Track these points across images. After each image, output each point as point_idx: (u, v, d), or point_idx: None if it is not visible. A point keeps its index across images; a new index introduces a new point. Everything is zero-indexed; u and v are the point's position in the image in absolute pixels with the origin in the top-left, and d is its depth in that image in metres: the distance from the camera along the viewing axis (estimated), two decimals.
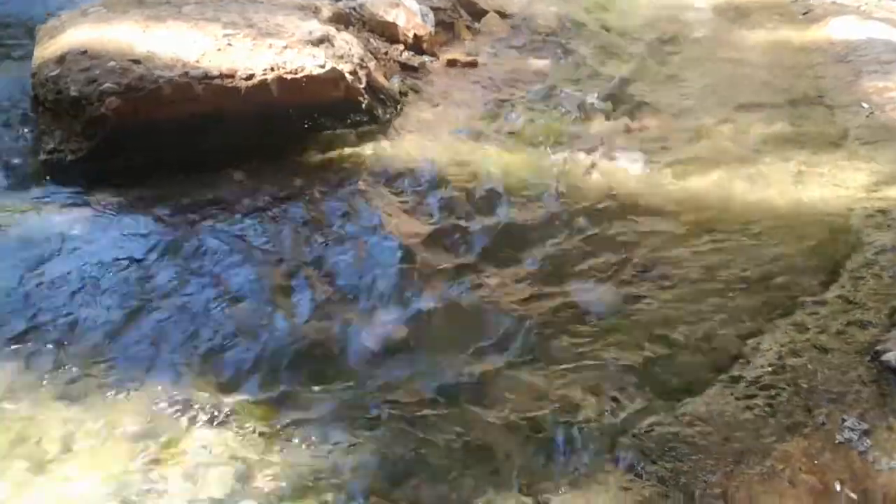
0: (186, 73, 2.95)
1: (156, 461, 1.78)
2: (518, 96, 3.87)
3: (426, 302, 2.38)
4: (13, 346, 2.10)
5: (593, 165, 3.20)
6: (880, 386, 1.99)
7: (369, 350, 2.20)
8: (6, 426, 1.85)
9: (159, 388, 1.99)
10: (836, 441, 1.84)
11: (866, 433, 1.87)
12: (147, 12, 3.32)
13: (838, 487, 1.72)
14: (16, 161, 3.04)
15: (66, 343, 2.13)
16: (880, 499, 1.74)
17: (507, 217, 2.84)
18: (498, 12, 4.84)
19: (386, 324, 2.29)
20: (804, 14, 5.30)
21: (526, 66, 4.24)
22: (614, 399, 2.00)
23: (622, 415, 1.95)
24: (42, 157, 2.95)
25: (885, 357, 2.06)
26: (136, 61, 2.96)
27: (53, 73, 2.94)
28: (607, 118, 3.67)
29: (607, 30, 4.79)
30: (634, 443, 1.82)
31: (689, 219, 2.86)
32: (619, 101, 3.85)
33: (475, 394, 2.03)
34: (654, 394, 2.01)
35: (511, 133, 3.50)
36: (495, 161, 3.24)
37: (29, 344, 2.11)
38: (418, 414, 1.97)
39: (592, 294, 2.42)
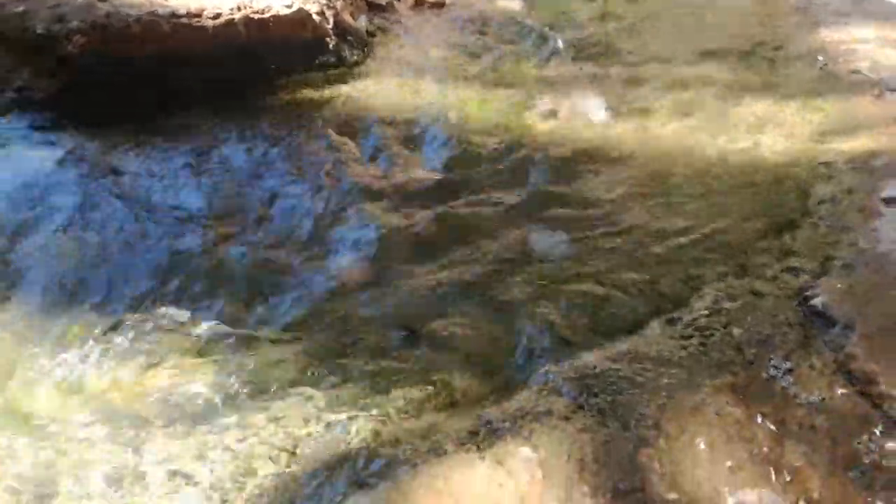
0: (154, 12, 2.96)
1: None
2: (485, 38, 3.91)
3: (383, 245, 2.50)
4: None
5: (556, 111, 3.29)
6: (806, 329, 2.17)
7: (326, 288, 2.33)
8: None
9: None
10: (762, 378, 2.03)
11: (790, 371, 2.05)
12: None
13: (759, 419, 1.91)
14: None
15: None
16: (796, 428, 1.94)
17: (467, 162, 2.94)
18: None
19: (341, 264, 2.42)
20: None
21: (494, 6, 4.27)
22: (563, 338, 2.16)
23: (570, 351, 2.11)
24: (9, 94, 2.96)
25: (812, 302, 2.24)
26: None
27: (19, 10, 2.92)
28: (573, 62, 3.74)
29: None
30: (579, 376, 1.99)
31: (646, 168, 2.98)
32: (586, 45, 3.91)
33: (435, 332, 2.18)
34: (599, 333, 2.18)
35: (477, 75, 3.57)
36: (460, 104, 3.32)
37: None
38: (381, 350, 2.12)
39: (548, 240, 2.55)
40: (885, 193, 2.67)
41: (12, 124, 2.88)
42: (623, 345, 2.14)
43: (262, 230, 2.55)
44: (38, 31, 2.89)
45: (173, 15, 2.97)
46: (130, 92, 2.99)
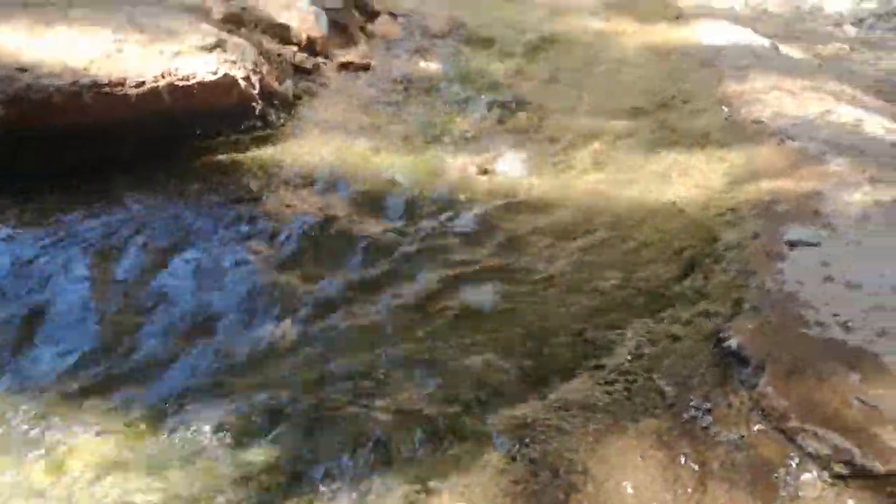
0: (76, 82, 2.95)
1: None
2: (409, 98, 4.04)
3: (311, 308, 2.52)
4: None
5: (478, 165, 3.41)
6: (722, 369, 2.28)
7: (258, 351, 2.33)
8: None
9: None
10: (683, 419, 2.12)
11: (709, 411, 2.15)
12: (33, 16, 3.27)
13: (682, 460, 1.99)
14: None
15: None
16: (717, 467, 2.02)
17: (394, 219, 3.02)
18: (390, 13, 4.98)
19: (271, 327, 2.43)
20: (677, 18, 5.70)
21: (417, 67, 4.42)
22: (495, 390, 2.22)
23: (501, 403, 2.16)
24: None
25: (726, 343, 2.36)
26: (23, 69, 2.93)
27: None
28: (493, 118, 3.89)
29: (495, 32, 5.01)
30: (510, 428, 2.04)
31: (566, 218, 3.12)
32: (505, 101, 4.08)
33: (367, 391, 2.20)
34: (528, 384, 2.24)
35: (402, 134, 3.67)
36: (385, 162, 3.41)
37: None
38: (315, 409, 2.13)
39: (476, 294, 2.63)
40: (788, 237, 2.85)
41: None
42: (553, 394, 2.21)
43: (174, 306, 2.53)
44: None
45: (95, 84, 2.98)
46: (51, 162, 2.95)
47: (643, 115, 4.04)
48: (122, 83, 3.03)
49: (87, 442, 1.99)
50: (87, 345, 2.31)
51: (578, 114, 4.02)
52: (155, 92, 3.09)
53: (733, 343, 2.35)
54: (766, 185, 3.31)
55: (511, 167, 3.47)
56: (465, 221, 3.08)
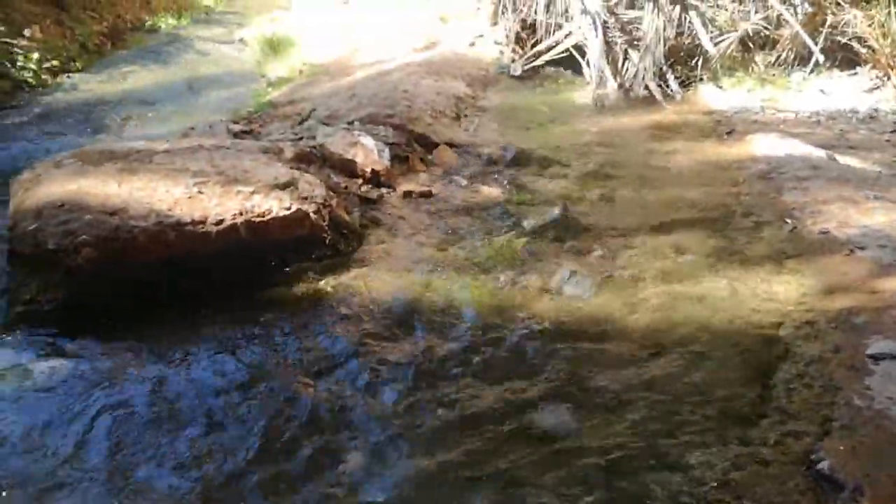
0: (160, 222, 3.14)
1: None
2: (470, 223, 4.15)
3: (389, 429, 2.52)
4: None
5: (543, 289, 3.43)
6: (816, 494, 2.16)
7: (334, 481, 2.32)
8: None
9: None
10: None
11: None
12: (120, 164, 3.53)
13: None
14: None
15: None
16: None
17: (464, 343, 3.03)
18: (448, 143, 5.20)
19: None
20: (728, 133, 5.79)
21: (476, 194, 4.56)
22: None
23: None
24: (18, 308, 3.06)
25: (819, 466, 2.24)
26: (112, 212, 3.15)
27: (31, 227, 3.10)
28: (553, 241, 3.95)
29: (549, 156, 5.17)
30: None
31: (634, 338, 3.08)
32: (564, 224, 4.14)
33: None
34: None
35: (465, 259, 3.74)
36: (451, 288, 3.46)
37: None
38: None
39: (551, 417, 2.58)
40: (871, 350, 2.76)
41: (20, 337, 2.96)
42: None
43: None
44: (49, 246, 3.05)
45: (178, 224, 3.17)
46: (136, 296, 3.10)
47: (704, 229, 4.05)
48: (203, 221, 3.22)
49: None
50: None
51: (638, 231, 4.05)
52: (233, 228, 3.26)
53: (826, 465, 2.24)
54: (840, 296, 3.24)
55: (573, 287, 3.48)
56: (531, 343, 3.07)
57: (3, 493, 2.25)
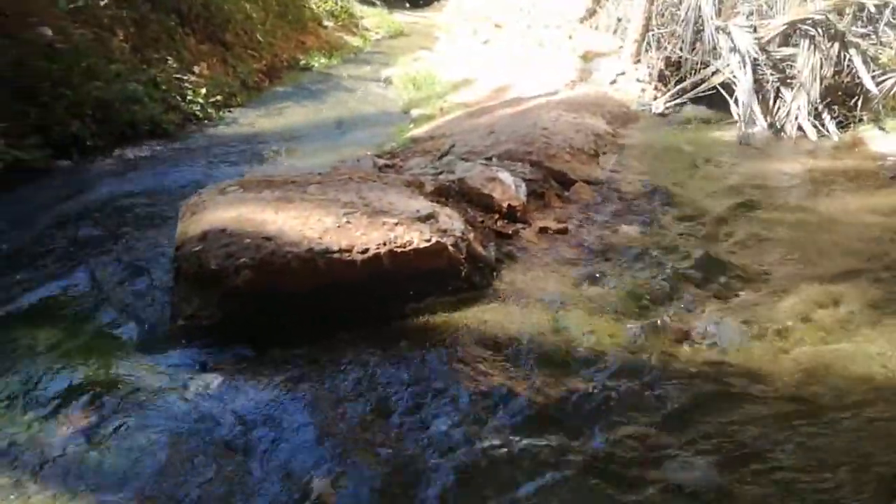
0: (311, 249, 3.33)
1: None
2: (607, 263, 4.08)
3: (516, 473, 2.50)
4: None
5: (685, 335, 3.31)
6: None
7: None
8: None
9: None
10: None
11: None
12: (277, 193, 3.78)
13: None
14: (155, 324, 3.44)
15: None
16: None
17: (594, 388, 2.96)
18: (586, 181, 5.18)
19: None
20: (892, 178, 5.39)
21: (613, 232, 4.49)
22: None
23: None
24: (180, 322, 3.32)
25: None
26: (268, 238, 3.36)
27: (197, 249, 3.37)
28: (697, 286, 3.80)
29: (692, 196, 5.01)
30: None
31: (787, 395, 2.90)
32: (708, 267, 3.98)
33: None
34: None
35: (601, 300, 3.68)
36: (585, 328, 3.40)
37: None
38: None
39: (689, 473, 2.47)
40: None
41: (181, 349, 3.21)
42: None
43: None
44: (212, 266, 3.30)
45: (327, 252, 3.34)
46: (285, 318, 3.29)
47: (864, 280, 3.78)
48: (349, 250, 3.38)
49: None
50: None
51: (789, 278, 3.83)
52: (377, 257, 3.39)
53: None
54: None
55: (715, 335, 3.34)
56: (665, 391, 2.96)
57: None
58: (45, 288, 3.69)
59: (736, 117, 6.74)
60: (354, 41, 11.04)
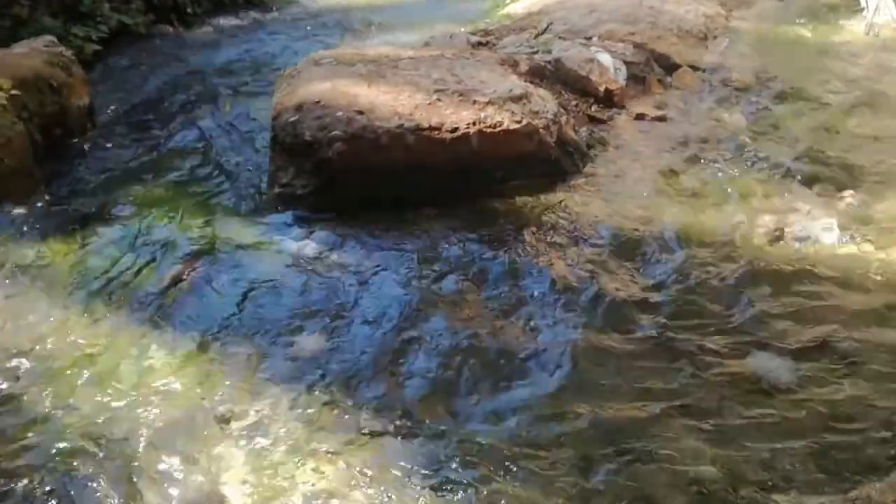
0: (401, 125, 3.33)
1: None
2: (706, 153, 3.91)
3: (589, 359, 2.54)
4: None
5: (781, 231, 3.19)
6: None
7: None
8: None
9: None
10: None
11: None
12: (370, 66, 3.76)
13: None
14: (253, 191, 3.59)
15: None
16: None
17: (684, 280, 2.92)
18: (691, 66, 4.88)
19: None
20: None
21: (716, 122, 4.27)
22: (785, 476, 2.05)
23: (791, 493, 1.99)
24: (275, 189, 3.45)
25: None
26: (360, 112, 3.39)
27: (292, 119, 3.43)
28: (800, 182, 3.61)
29: (806, 88, 4.66)
30: None
31: (885, 297, 2.79)
32: (814, 163, 3.77)
33: (644, 448, 2.16)
34: (825, 474, 2.03)
35: (695, 192, 3.56)
36: (676, 220, 3.32)
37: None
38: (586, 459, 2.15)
39: (770, 365, 2.45)
40: None
41: (276, 215, 3.36)
42: (852, 490, 1.98)
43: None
44: (306, 137, 3.37)
45: (418, 128, 3.34)
46: (372, 191, 3.36)
47: None
48: (439, 128, 3.36)
49: None
50: None
51: None
52: (466, 137, 3.37)
53: None
54: None
55: (815, 232, 3.20)
56: (752, 287, 2.88)
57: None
58: (154, 150, 3.89)
59: (863, 4, 6.12)
60: None
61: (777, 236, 3.19)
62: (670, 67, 4.82)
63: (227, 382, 2.43)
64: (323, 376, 2.46)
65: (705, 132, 4.12)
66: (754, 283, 2.89)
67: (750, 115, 4.30)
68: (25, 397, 2.37)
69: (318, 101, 3.48)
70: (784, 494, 1.98)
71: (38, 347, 2.58)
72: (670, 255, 3.09)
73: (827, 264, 2.99)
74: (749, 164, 3.76)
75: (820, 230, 3.19)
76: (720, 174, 3.69)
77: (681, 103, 4.47)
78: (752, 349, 2.54)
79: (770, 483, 2.02)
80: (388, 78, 3.68)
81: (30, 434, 2.23)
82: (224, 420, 2.28)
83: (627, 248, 3.15)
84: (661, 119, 4.28)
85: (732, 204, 3.43)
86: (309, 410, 2.33)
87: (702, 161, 3.81)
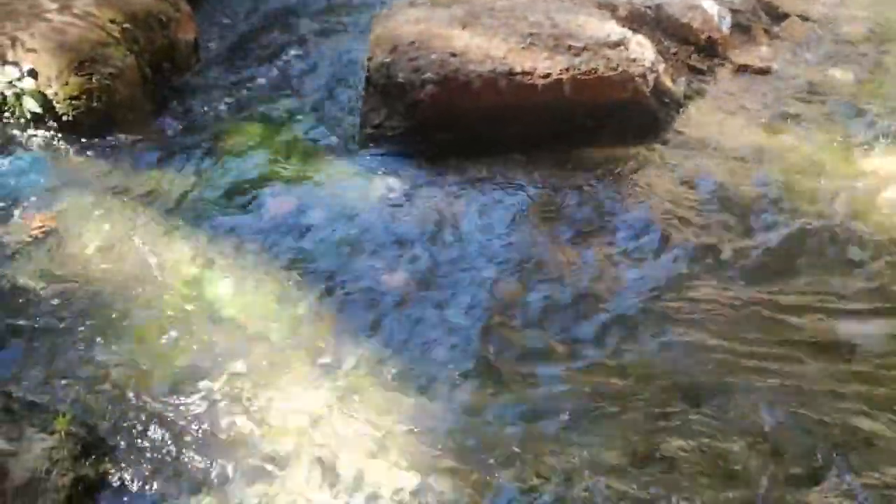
0: (494, 69, 3.33)
1: None
2: (811, 111, 3.74)
3: (682, 314, 2.54)
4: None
5: (883, 197, 3.05)
6: None
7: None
8: None
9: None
10: None
11: None
12: (465, 8, 3.74)
13: None
14: (347, 130, 3.68)
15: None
16: None
17: (778, 240, 2.86)
18: (800, 16, 4.62)
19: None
20: None
21: (824, 77, 4.05)
22: (867, 439, 2.03)
23: (872, 453, 1.97)
24: (368, 130, 3.53)
25: None
26: (454, 54, 3.40)
27: (386, 60, 3.48)
28: None
29: None
30: (881, 485, 1.85)
31: None
32: None
33: (719, 404, 2.18)
34: None
35: (797, 152, 3.43)
36: (775, 179, 3.22)
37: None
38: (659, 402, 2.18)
39: (859, 328, 2.40)
40: None
41: (368, 154, 3.45)
42: None
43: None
44: (399, 79, 3.41)
45: (510, 73, 3.32)
46: (463, 135, 3.39)
47: None
48: (531, 73, 3.34)
49: None
50: None
51: None
52: (559, 83, 3.34)
53: None
54: None
55: None
56: (855, 251, 2.80)
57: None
58: (254, 87, 4.02)
59: None
60: None
61: (879, 201, 3.05)
62: (778, 17, 4.57)
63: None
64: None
65: (811, 87, 3.92)
66: (850, 245, 2.80)
67: (860, 72, 4.05)
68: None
69: (413, 43, 3.51)
70: (861, 454, 1.97)
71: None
72: (764, 214, 3.02)
73: None
74: (854, 123, 3.58)
75: None
76: (823, 133, 3.53)
77: (787, 55, 4.25)
78: (844, 312, 2.48)
79: (846, 443, 2.01)
80: (483, 20, 3.66)
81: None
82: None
83: (722, 206, 3.09)
84: (766, 71, 4.10)
85: (833, 164, 3.30)
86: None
87: (804, 118, 3.65)
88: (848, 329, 2.41)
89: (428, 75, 3.36)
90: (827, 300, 2.57)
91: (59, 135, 3.45)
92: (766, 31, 4.51)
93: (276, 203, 3.10)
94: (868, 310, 2.49)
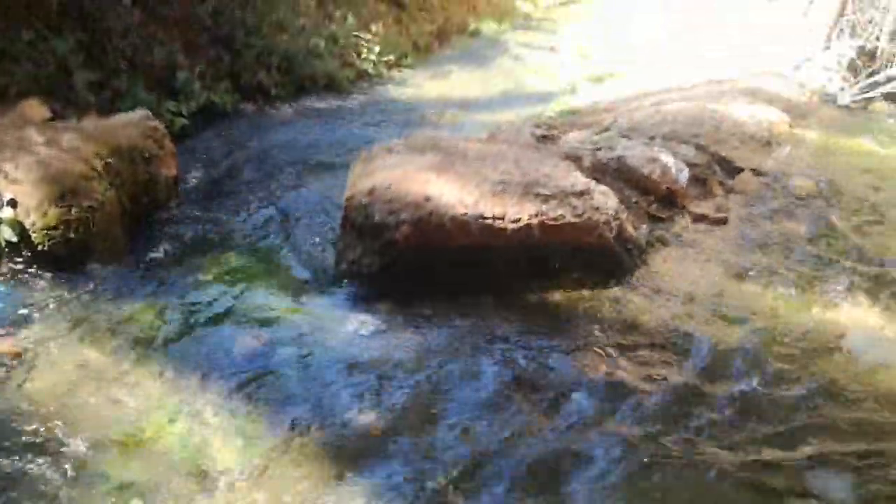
0: (466, 213, 3.47)
1: None
2: (765, 259, 3.93)
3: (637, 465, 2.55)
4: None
5: (839, 346, 3.16)
6: None
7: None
8: None
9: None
10: None
11: None
12: (440, 156, 3.94)
13: None
14: (321, 266, 3.76)
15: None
16: None
17: (736, 393, 2.93)
18: (753, 171, 4.95)
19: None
20: None
21: (777, 229, 4.29)
22: None
23: None
24: (343, 266, 3.61)
25: None
26: (428, 198, 3.54)
27: (364, 201, 3.61)
28: (863, 293, 3.59)
29: (872, 200, 4.67)
30: None
31: None
32: (882, 284, 3.73)
33: None
34: None
35: (754, 298, 3.57)
36: (732, 329, 3.32)
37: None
38: None
39: (821, 482, 2.41)
40: None
41: (341, 291, 3.51)
42: None
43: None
44: (376, 219, 3.53)
45: (481, 217, 3.47)
46: (434, 275, 3.48)
47: None
48: (502, 217, 3.49)
49: None
50: None
51: None
52: (528, 227, 3.48)
53: None
54: None
55: (870, 350, 3.16)
56: (817, 401, 2.87)
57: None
58: (232, 222, 4.12)
59: None
60: (525, 6, 10.98)
61: (834, 348, 3.16)
62: (732, 171, 4.90)
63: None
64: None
65: (765, 237, 4.15)
66: (812, 395, 2.87)
67: (811, 225, 4.31)
68: None
69: (390, 186, 3.66)
70: None
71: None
72: (723, 363, 3.09)
73: (887, 384, 2.95)
74: (808, 271, 3.76)
75: (875, 344, 3.16)
76: (778, 281, 3.70)
77: (741, 208, 4.52)
78: (803, 465, 2.51)
79: None
80: (456, 167, 3.84)
81: None
82: None
83: (682, 350, 3.17)
84: (722, 222, 4.33)
85: (791, 312, 3.43)
86: None
87: (760, 266, 3.84)
88: (814, 484, 2.43)
89: (403, 216, 3.48)
90: (797, 452, 2.60)
91: (34, 264, 3.45)
92: (721, 184, 4.80)
93: (245, 339, 3.10)
94: (834, 462, 2.52)
